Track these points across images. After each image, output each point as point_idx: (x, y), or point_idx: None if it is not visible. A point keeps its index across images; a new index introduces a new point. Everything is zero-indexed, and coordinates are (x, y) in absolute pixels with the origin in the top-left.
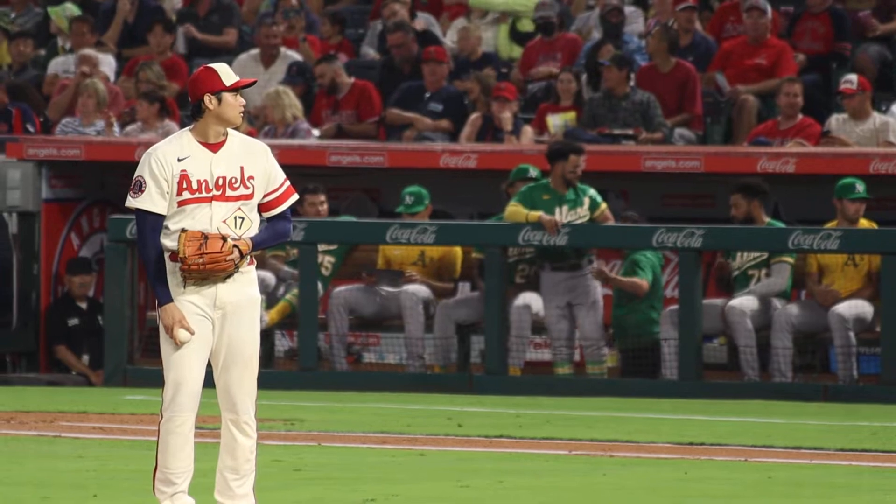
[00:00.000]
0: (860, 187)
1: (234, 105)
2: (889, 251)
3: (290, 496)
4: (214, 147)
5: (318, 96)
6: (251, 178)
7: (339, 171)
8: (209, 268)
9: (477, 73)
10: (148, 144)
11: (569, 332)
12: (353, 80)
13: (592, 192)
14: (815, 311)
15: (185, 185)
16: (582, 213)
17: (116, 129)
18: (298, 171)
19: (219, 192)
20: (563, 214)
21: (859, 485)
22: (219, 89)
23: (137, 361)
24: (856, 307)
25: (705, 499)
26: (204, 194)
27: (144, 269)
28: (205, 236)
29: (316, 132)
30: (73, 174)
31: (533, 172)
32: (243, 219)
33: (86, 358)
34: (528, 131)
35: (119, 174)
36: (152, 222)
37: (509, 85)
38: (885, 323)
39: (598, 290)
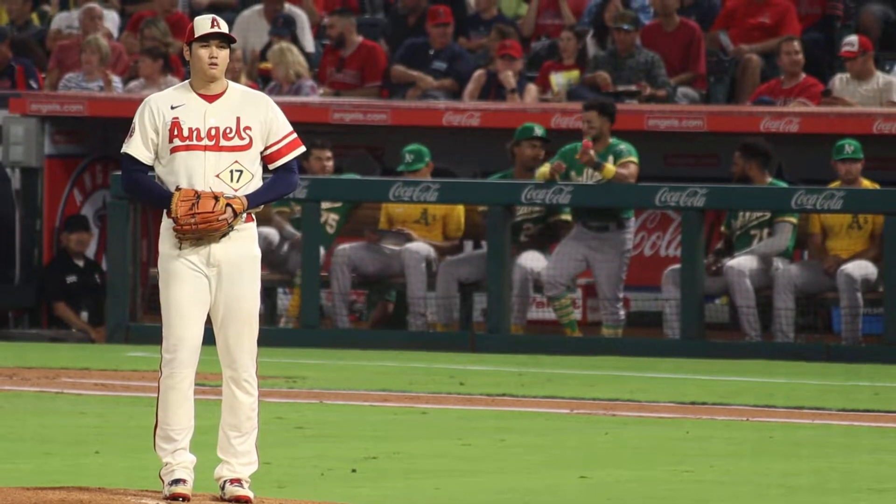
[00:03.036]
0: (850, 147)
1: (201, 56)
2: (892, 211)
3: (292, 453)
4: (211, 98)
5: (324, 52)
6: (248, 128)
7: (343, 129)
8: (202, 227)
9: (499, 25)
10: None
11: (569, 279)
12: (361, 39)
13: (622, 146)
14: (817, 272)
15: (175, 133)
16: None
17: (119, 85)
18: (301, 128)
19: (211, 143)
20: (589, 175)
21: (858, 445)
22: (189, 40)
23: (140, 318)
24: (862, 268)
25: (706, 457)
26: (195, 142)
27: (142, 203)
28: (197, 195)
29: (320, 91)
30: (75, 130)
31: (538, 131)
32: (241, 171)
33: (84, 315)
34: (531, 89)
35: (122, 130)
36: (134, 167)
37: (515, 43)
38: (889, 283)
39: (622, 253)
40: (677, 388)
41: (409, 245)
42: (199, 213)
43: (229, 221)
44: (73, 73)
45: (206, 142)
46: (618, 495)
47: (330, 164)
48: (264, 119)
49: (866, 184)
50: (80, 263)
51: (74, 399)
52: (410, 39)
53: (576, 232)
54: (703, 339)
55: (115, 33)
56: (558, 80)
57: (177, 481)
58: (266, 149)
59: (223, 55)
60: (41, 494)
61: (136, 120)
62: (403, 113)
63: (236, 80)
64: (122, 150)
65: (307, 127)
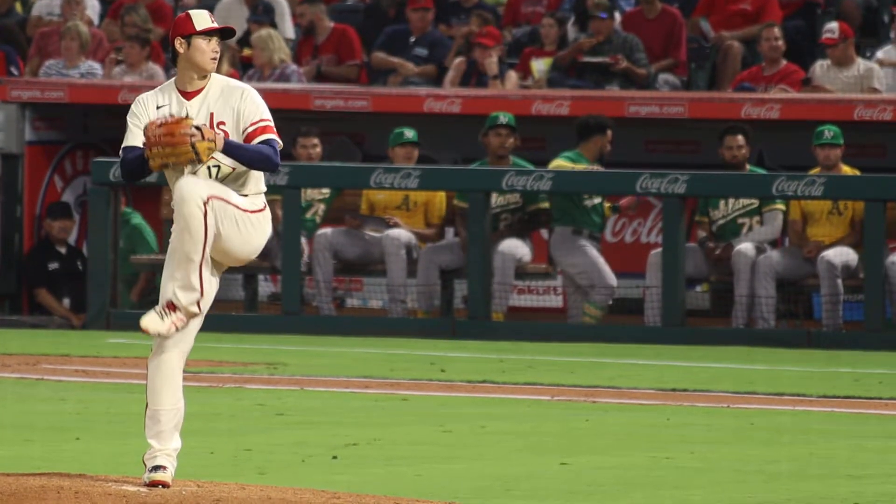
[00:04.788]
0: (829, 133)
1: (204, 50)
2: (872, 198)
3: (273, 440)
4: (190, 95)
5: (299, 41)
6: (221, 123)
7: (323, 116)
8: (165, 140)
9: (479, 12)
10: (131, 87)
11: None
12: (332, 24)
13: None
14: (798, 259)
15: None
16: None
17: (99, 71)
18: (283, 115)
19: None
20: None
21: (838, 431)
22: (189, 33)
23: (120, 305)
24: (843, 254)
25: (686, 444)
26: None
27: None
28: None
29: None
30: (56, 116)
31: (503, 119)
32: (219, 166)
33: (67, 301)
34: (512, 76)
35: (102, 117)
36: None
37: (492, 30)
38: (869, 270)
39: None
40: (658, 375)
41: (390, 231)
42: (165, 125)
43: (193, 141)
44: (54, 60)
45: None
46: (598, 481)
47: (316, 151)
48: (235, 109)
49: (846, 170)
50: (63, 250)
51: (55, 385)
52: (391, 27)
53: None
54: (683, 326)
55: (96, 20)
56: (539, 66)
57: (157, 468)
58: (243, 134)
59: (219, 49)
60: (21, 481)
61: (128, 118)
62: (384, 99)
63: (218, 67)
64: (120, 150)
65: (289, 114)
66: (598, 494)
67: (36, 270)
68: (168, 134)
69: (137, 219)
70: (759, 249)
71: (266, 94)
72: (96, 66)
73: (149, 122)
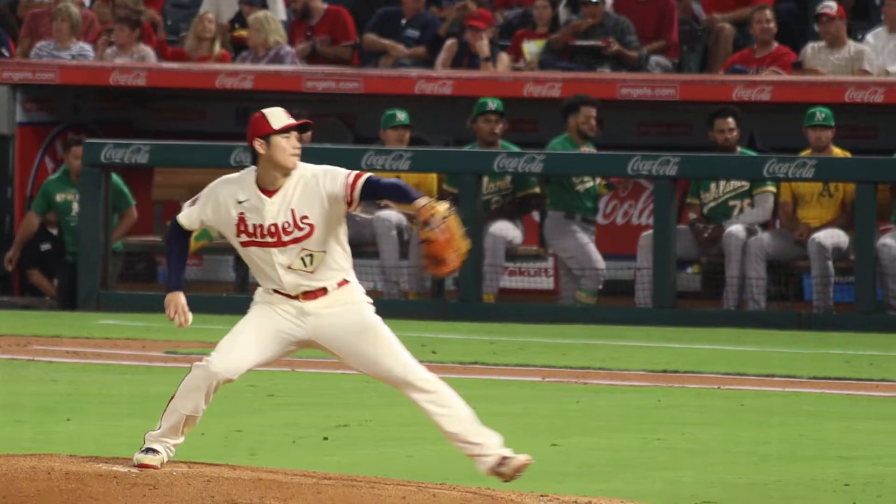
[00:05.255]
0: (821, 115)
1: (284, 148)
2: (863, 179)
3: (264, 421)
4: (270, 193)
5: (292, 24)
6: (304, 218)
7: (315, 97)
8: (452, 244)
9: None
10: (122, 69)
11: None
12: (326, 6)
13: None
14: (788, 241)
15: (242, 228)
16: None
17: (90, 53)
18: (274, 96)
19: (274, 239)
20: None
21: (828, 412)
22: (266, 133)
23: (111, 286)
24: (833, 236)
25: (677, 425)
26: (260, 238)
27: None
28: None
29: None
30: (47, 98)
31: (492, 105)
32: (311, 255)
33: (57, 283)
34: (504, 58)
35: (93, 98)
36: (179, 231)
37: (484, 12)
38: (860, 252)
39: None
40: (649, 357)
41: (381, 213)
42: (445, 228)
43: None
44: (45, 42)
45: (268, 238)
46: (589, 462)
47: (307, 134)
48: (320, 197)
49: (837, 152)
50: (55, 231)
51: (46, 366)
52: (383, 8)
53: (582, 225)
54: (674, 308)
55: (87, 2)
56: (531, 48)
57: (150, 450)
58: (344, 202)
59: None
60: (12, 462)
61: (202, 196)
62: (376, 81)
63: (210, 48)
64: (179, 214)
65: (280, 96)
66: (588, 475)
67: (28, 251)
68: (452, 238)
69: (114, 177)
70: (750, 231)
71: (257, 76)
72: (87, 48)
73: (429, 229)
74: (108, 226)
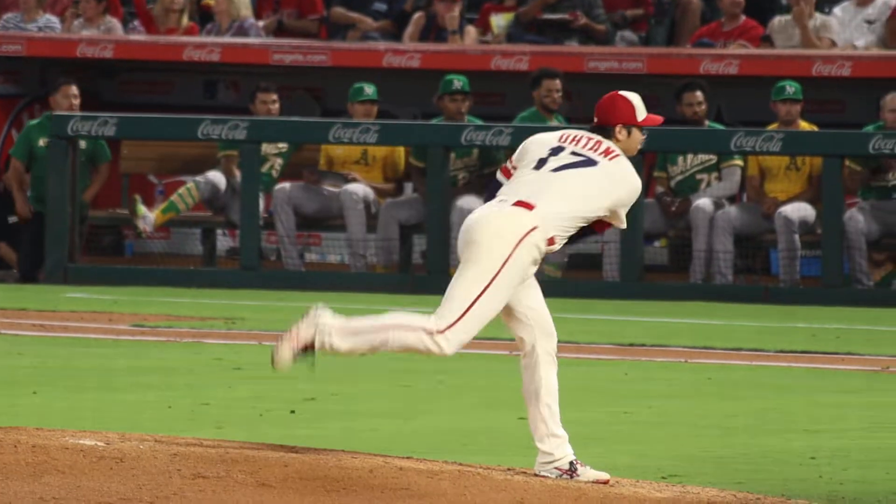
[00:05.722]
0: (791, 88)
1: (640, 140)
2: (830, 153)
3: (231, 394)
4: None
5: None
6: None
7: (282, 70)
8: None
9: None
10: (89, 41)
11: None
12: None
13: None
14: (755, 214)
15: None
16: None
17: (57, 25)
18: (242, 69)
19: None
20: None
21: (794, 386)
22: (630, 123)
23: (78, 259)
24: (800, 210)
25: (644, 399)
26: None
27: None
28: None
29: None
30: (14, 70)
31: (457, 84)
32: None
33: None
34: (471, 31)
35: (60, 70)
36: None
37: None
38: (827, 226)
39: None
40: (616, 330)
41: (348, 186)
42: None
43: None
44: (12, 14)
45: None
46: None
47: (275, 106)
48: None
49: (804, 126)
50: None
51: (12, 339)
52: None
53: None
54: (641, 281)
55: None
56: (498, 21)
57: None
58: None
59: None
60: None
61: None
62: (343, 54)
63: (178, 20)
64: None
65: (247, 68)
66: None
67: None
68: None
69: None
70: (717, 205)
71: (225, 49)
72: (54, 20)
73: None
74: (76, 198)
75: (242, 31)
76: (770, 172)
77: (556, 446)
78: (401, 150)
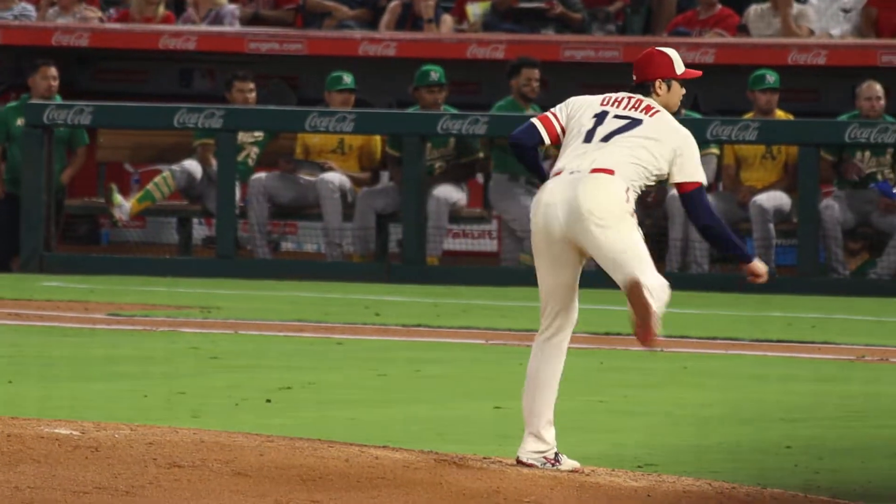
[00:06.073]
0: (771, 78)
1: (680, 93)
2: (806, 142)
3: (207, 383)
4: None
5: None
6: None
7: (258, 59)
8: None
9: None
10: (65, 29)
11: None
12: None
13: None
14: (731, 203)
15: None
16: None
17: (32, 13)
18: (218, 58)
19: None
20: None
21: (769, 375)
22: (669, 76)
23: (54, 248)
24: (775, 199)
25: (620, 388)
26: None
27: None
28: None
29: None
30: None
31: (434, 76)
32: None
33: None
34: (447, 20)
35: (36, 59)
36: None
37: None
38: (803, 214)
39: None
40: (591, 319)
41: (324, 175)
42: None
43: None
44: None
45: None
46: None
47: (252, 95)
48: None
49: (780, 115)
50: None
51: None
52: None
53: (526, 188)
54: None
55: None
56: (474, 10)
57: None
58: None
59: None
60: None
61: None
62: (319, 43)
63: (155, 10)
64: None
65: (223, 57)
66: None
67: None
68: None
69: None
70: None
71: (201, 37)
72: (30, 8)
73: None
74: (52, 187)
75: (218, 18)
76: (746, 161)
77: (553, 436)
78: (377, 139)
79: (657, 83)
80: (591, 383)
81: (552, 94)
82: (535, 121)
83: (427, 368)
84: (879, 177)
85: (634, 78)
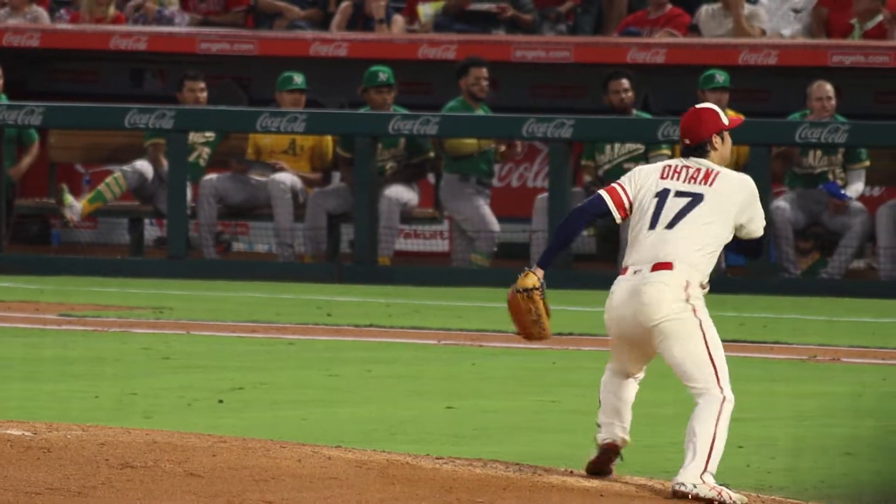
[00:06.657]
0: (720, 77)
1: (730, 142)
2: (757, 142)
3: (159, 384)
4: None
5: None
6: None
7: (209, 59)
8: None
9: None
10: (15, 30)
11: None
12: None
13: None
14: None
15: None
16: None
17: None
18: (168, 58)
19: None
20: None
21: None
22: (721, 129)
23: (4, 248)
24: None
25: (572, 388)
26: None
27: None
28: None
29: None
30: None
31: (382, 76)
32: None
33: None
34: (398, 20)
35: None
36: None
37: None
38: None
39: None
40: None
41: (275, 175)
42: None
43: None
44: None
45: None
46: (484, 425)
47: (203, 95)
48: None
49: (731, 114)
50: None
51: None
52: None
53: (477, 188)
54: (569, 270)
55: None
56: (426, 10)
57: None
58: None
59: None
60: None
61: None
62: (270, 43)
63: (105, 10)
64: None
65: (174, 57)
66: (483, 438)
67: None
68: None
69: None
70: None
71: (151, 38)
72: None
73: None
74: (3, 188)
75: (166, 19)
76: None
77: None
78: (328, 140)
79: (713, 139)
80: (544, 383)
81: (503, 95)
82: (603, 193)
83: (379, 368)
84: (830, 177)
85: (688, 141)
